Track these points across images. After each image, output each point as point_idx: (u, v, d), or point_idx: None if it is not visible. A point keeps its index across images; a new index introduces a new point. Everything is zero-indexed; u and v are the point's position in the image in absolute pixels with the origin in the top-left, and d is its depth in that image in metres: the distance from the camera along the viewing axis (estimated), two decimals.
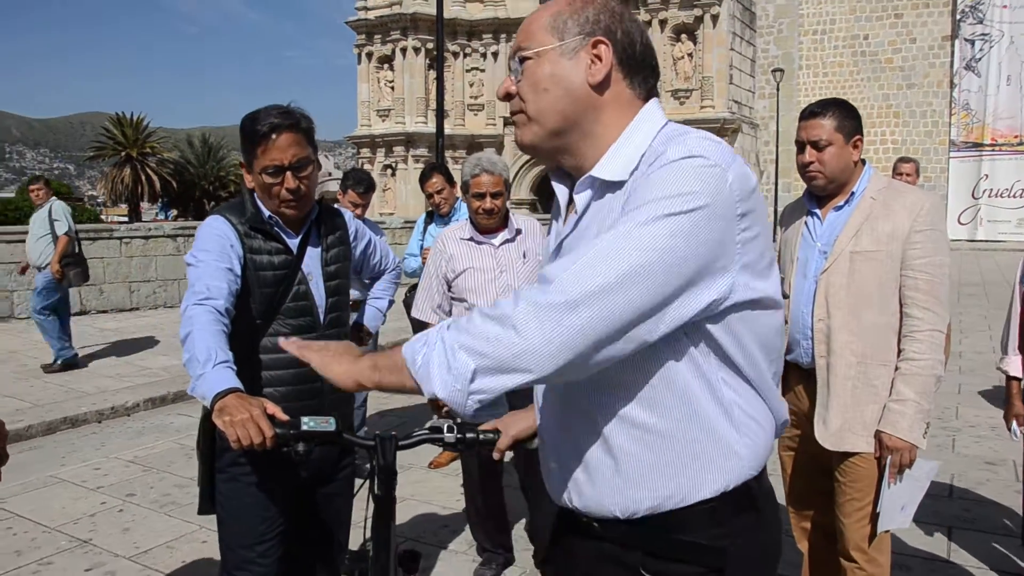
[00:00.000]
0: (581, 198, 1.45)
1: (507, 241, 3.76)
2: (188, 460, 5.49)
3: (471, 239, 3.74)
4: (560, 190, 1.55)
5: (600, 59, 1.42)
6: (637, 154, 1.39)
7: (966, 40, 27.50)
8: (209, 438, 2.48)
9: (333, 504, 2.64)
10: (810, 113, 2.74)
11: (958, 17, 27.55)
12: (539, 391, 1.62)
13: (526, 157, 32.68)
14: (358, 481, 2.59)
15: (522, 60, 1.46)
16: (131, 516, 4.55)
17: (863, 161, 2.78)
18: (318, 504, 2.61)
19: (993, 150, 27.24)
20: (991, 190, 27.65)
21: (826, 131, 2.68)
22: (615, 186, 1.39)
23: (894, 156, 29.01)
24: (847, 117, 2.72)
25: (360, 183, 5.12)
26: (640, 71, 1.46)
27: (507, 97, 1.50)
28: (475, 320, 1.28)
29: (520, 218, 3.88)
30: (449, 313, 3.85)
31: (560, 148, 1.48)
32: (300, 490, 2.54)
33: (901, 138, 28.91)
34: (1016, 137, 26.89)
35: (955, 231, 28.18)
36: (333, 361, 1.52)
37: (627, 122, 1.44)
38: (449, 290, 3.82)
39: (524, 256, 3.77)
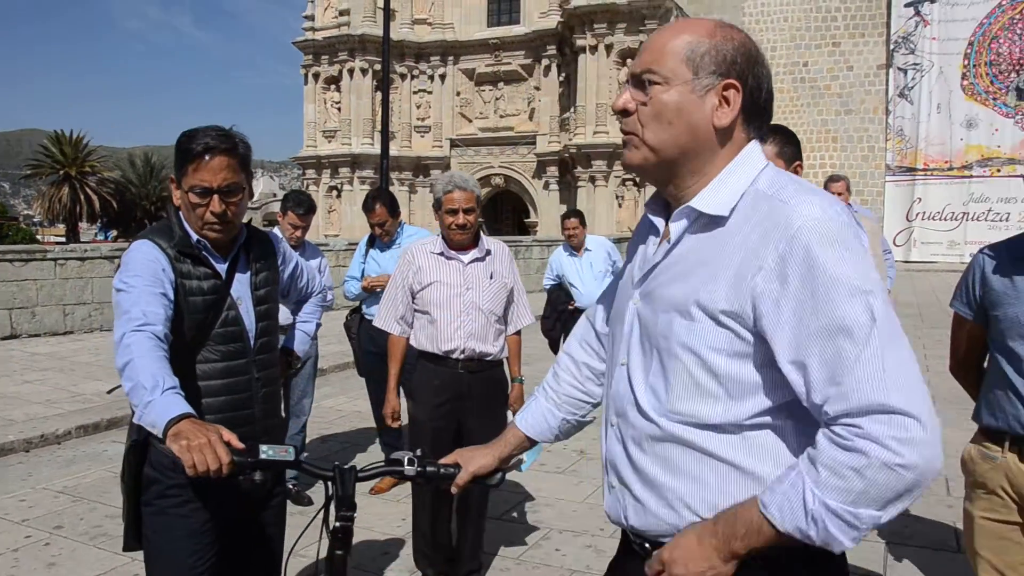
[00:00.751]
0: (676, 227, 1.47)
1: (476, 260, 3.81)
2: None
3: (441, 254, 3.80)
4: (656, 220, 1.57)
5: (728, 103, 1.43)
6: (738, 192, 1.42)
7: (899, 69, 28.42)
8: (134, 470, 2.40)
9: (265, 533, 2.57)
10: None
11: (891, 47, 28.48)
12: (607, 408, 1.62)
13: None
14: (293, 507, 2.53)
15: (650, 82, 1.44)
16: (58, 550, 4.38)
17: None
18: (250, 534, 2.53)
19: (925, 175, 28.12)
20: (924, 213, 28.52)
21: (767, 156, 2.71)
22: (714, 220, 1.42)
23: None
24: (787, 143, 2.77)
25: (300, 205, 5.07)
26: (759, 117, 1.49)
27: (624, 113, 1.49)
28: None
29: (491, 240, 3.92)
30: (411, 325, 3.87)
31: (666, 176, 1.49)
32: (231, 521, 2.47)
33: (839, 162, 29.67)
34: (947, 162, 27.80)
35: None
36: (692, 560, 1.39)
37: (732, 160, 1.47)
38: (413, 301, 3.84)
39: (491, 277, 3.82)
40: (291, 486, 5.05)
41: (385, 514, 4.79)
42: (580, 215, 7.39)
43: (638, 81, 1.46)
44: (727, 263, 1.37)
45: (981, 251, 2.66)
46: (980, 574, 2.57)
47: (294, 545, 2.00)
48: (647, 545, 1.51)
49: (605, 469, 1.63)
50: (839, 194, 6.14)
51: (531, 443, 1.93)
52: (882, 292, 1.31)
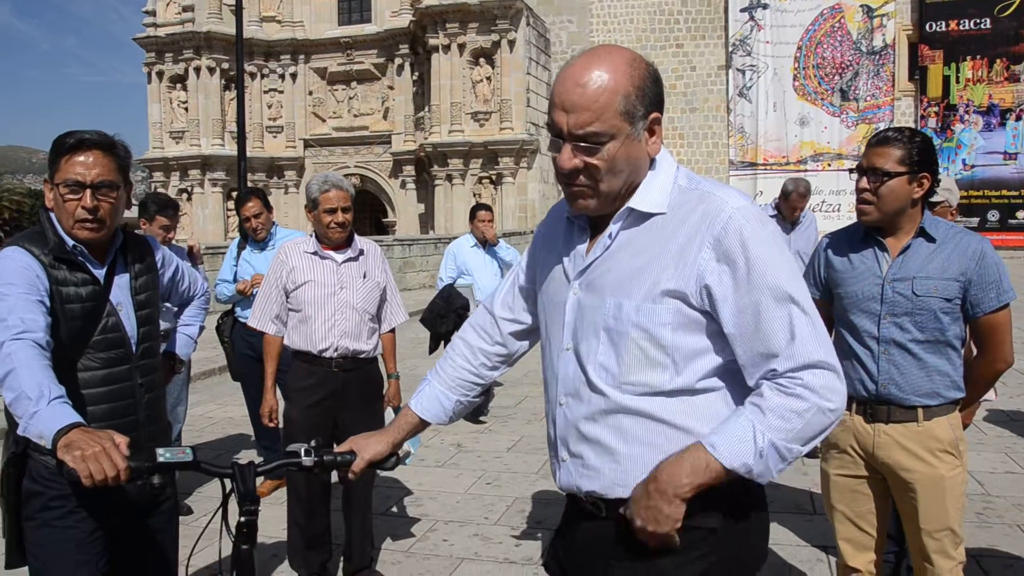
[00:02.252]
0: (615, 226, 1.65)
1: (350, 259, 3.85)
2: None
3: (315, 253, 3.81)
4: (583, 220, 1.72)
5: (656, 132, 1.62)
6: (666, 190, 1.63)
7: (738, 70, 30.02)
8: (14, 484, 2.33)
9: (157, 539, 2.54)
10: None
11: (730, 49, 30.05)
12: (554, 390, 1.75)
13: None
14: (186, 508, 2.51)
15: (598, 144, 1.55)
16: None
17: None
18: (141, 540, 2.50)
19: (765, 169, 29.85)
20: (765, 204, 30.34)
21: None
22: (650, 216, 1.62)
23: None
24: None
25: (168, 206, 4.93)
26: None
27: (572, 172, 1.59)
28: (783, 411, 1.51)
29: (363, 240, 3.96)
30: (286, 324, 3.87)
31: (616, 205, 1.65)
32: (120, 529, 2.43)
33: (687, 158, 31.05)
34: (784, 158, 29.59)
35: None
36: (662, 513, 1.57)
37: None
38: (287, 301, 3.83)
39: (364, 276, 3.86)
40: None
41: (269, 517, 4.75)
42: (490, 208, 7.29)
43: (581, 141, 1.57)
44: (667, 249, 1.57)
45: (825, 237, 2.99)
46: (836, 524, 2.89)
47: (195, 544, 2.02)
48: (602, 505, 1.68)
49: (553, 446, 1.77)
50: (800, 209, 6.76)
51: (424, 426, 2.05)
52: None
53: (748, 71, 29.83)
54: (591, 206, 1.63)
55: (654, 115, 1.60)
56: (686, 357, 1.58)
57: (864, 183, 2.68)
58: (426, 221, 30.70)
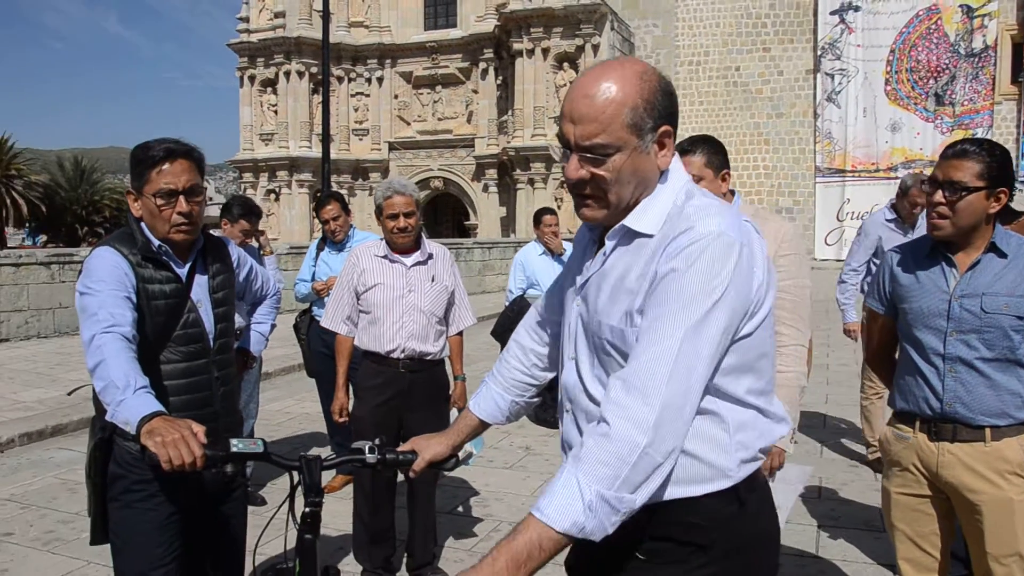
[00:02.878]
0: (610, 244, 1.64)
1: (419, 263, 3.96)
2: (72, 495, 5.31)
3: (385, 257, 3.93)
4: (593, 233, 1.74)
5: (667, 145, 1.60)
6: (665, 210, 1.59)
7: (826, 74, 29.31)
8: (101, 467, 2.49)
9: (229, 525, 2.69)
10: (681, 151, 2.97)
11: (819, 53, 29.36)
12: (562, 395, 1.77)
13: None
14: (260, 498, 2.65)
15: (605, 155, 1.56)
16: (9, 556, 4.38)
17: (732, 192, 3.04)
18: (214, 525, 2.65)
19: (853, 176, 29.06)
20: (853, 213, 29.44)
21: (696, 167, 2.92)
22: (641, 235, 1.59)
23: (766, 181, 30.52)
24: (715, 153, 2.98)
25: (252, 212, 5.11)
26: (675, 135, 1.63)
27: (579, 182, 1.60)
28: (595, 454, 1.42)
29: (433, 244, 4.06)
30: (357, 325, 4.00)
31: (624, 215, 1.63)
32: (195, 512, 2.58)
33: (772, 164, 30.45)
34: (873, 164, 28.77)
35: (822, 251, 29.81)
36: None
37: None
38: (358, 302, 3.96)
39: (432, 279, 3.96)
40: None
41: (339, 512, 4.88)
42: (555, 212, 6.66)
43: (587, 152, 1.57)
44: (644, 272, 1.56)
45: (890, 251, 2.91)
46: (897, 544, 2.83)
47: (262, 532, 2.12)
48: None
49: (563, 449, 1.79)
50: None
51: (484, 427, 2.10)
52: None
53: (837, 75, 29.08)
54: (598, 216, 1.64)
55: (664, 128, 1.58)
56: None
57: (939, 196, 2.59)
58: (507, 224, 30.89)
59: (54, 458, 6.30)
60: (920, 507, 2.76)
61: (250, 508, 4.97)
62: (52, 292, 12.16)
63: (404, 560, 4.19)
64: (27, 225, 51.49)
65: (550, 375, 2.08)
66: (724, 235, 1.49)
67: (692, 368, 1.45)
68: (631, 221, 1.60)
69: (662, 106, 1.57)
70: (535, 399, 2.11)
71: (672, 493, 1.57)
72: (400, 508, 4.29)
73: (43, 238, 50.85)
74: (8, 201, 47.77)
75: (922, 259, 2.73)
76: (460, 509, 5.11)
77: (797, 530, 4.54)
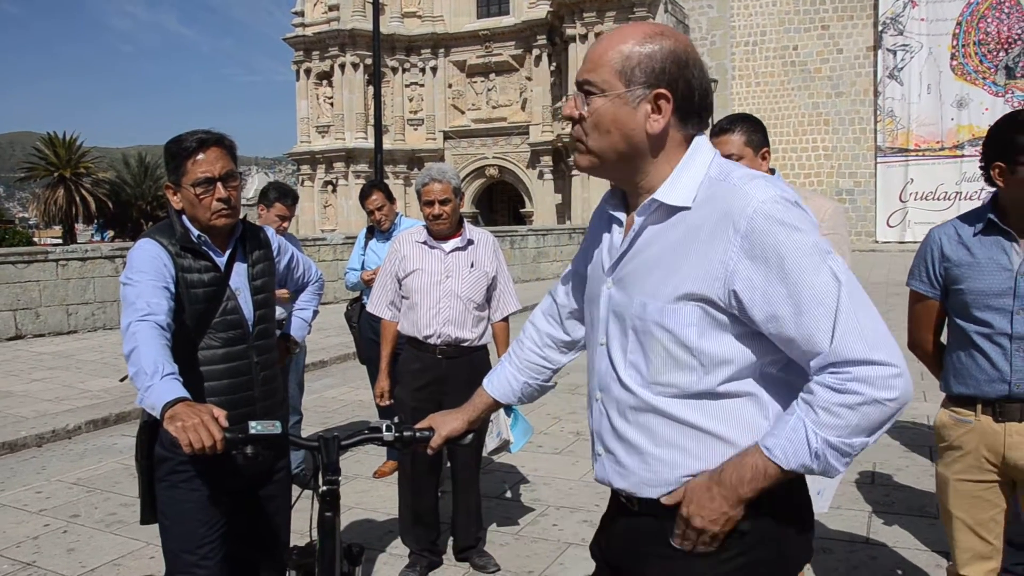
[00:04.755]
0: (639, 219, 1.60)
1: (458, 249, 3.99)
2: (133, 479, 5.44)
3: (424, 243, 3.99)
4: (617, 213, 1.70)
5: (660, 111, 1.54)
6: (696, 182, 1.55)
7: (888, 50, 28.53)
8: (147, 449, 2.58)
9: (271, 505, 2.77)
10: (720, 130, 2.93)
11: (880, 29, 28.58)
12: (592, 383, 1.76)
13: (466, 172, 32.88)
14: (297, 489, 2.73)
15: (588, 93, 1.57)
16: (76, 537, 4.56)
17: (772, 171, 2.99)
18: (257, 506, 2.74)
19: (917, 155, 28.27)
20: (916, 193, 28.69)
21: (736, 146, 2.88)
22: (675, 210, 1.55)
23: (826, 163, 29.91)
24: (754, 131, 2.93)
25: (287, 195, 5.15)
26: (695, 116, 1.59)
27: (571, 120, 1.62)
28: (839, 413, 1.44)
29: (475, 230, 4.09)
30: (400, 309, 4.06)
31: (614, 175, 1.65)
32: (238, 494, 2.67)
33: (832, 144, 29.81)
34: (938, 143, 27.95)
35: (884, 233, 29.11)
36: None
37: (678, 156, 1.58)
38: (400, 288, 4.03)
39: (472, 265, 3.99)
40: (300, 470, 5.25)
41: (388, 496, 4.97)
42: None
43: (579, 89, 1.59)
44: (691, 248, 1.52)
45: (934, 230, 2.79)
46: (954, 533, 2.72)
47: (289, 509, 2.17)
48: (635, 501, 1.67)
49: (592, 439, 1.79)
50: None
51: (497, 406, 2.13)
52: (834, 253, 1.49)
53: (899, 51, 28.29)
54: (582, 163, 1.64)
55: (660, 91, 1.52)
56: (713, 360, 1.54)
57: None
58: (563, 211, 30.81)
59: (117, 444, 6.52)
60: (980, 493, 2.66)
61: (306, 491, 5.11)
62: (117, 285, 12.48)
63: (450, 542, 4.24)
64: (95, 221, 53.17)
65: (565, 359, 2.10)
66: (786, 196, 1.49)
67: (862, 298, 1.46)
68: (662, 194, 1.55)
69: (663, 69, 1.53)
70: (550, 383, 2.12)
71: None
72: (447, 492, 4.35)
73: (110, 233, 52.50)
74: (77, 198, 49.44)
75: (975, 236, 2.63)
76: (508, 495, 5.14)
77: (848, 516, 4.47)
